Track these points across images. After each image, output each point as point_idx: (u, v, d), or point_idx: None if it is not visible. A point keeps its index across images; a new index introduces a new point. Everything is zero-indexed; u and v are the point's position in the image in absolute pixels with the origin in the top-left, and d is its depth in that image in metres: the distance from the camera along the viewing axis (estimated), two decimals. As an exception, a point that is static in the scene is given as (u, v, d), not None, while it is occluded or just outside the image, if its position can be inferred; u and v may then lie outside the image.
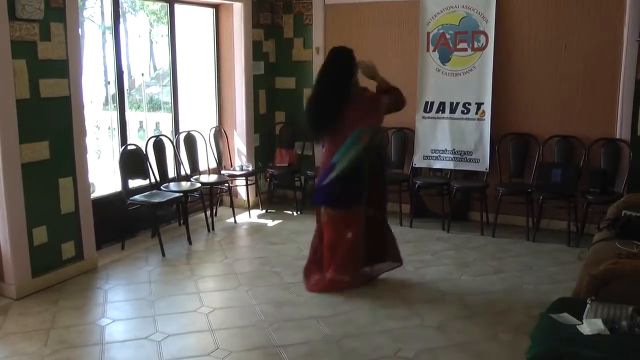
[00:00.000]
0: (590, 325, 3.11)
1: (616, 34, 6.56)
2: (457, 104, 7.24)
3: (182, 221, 7.07)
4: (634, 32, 6.34)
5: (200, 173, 7.47)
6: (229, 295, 5.24)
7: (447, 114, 7.30)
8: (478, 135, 7.17)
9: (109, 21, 6.69)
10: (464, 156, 7.27)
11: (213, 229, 7.14)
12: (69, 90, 5.40)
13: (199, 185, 6.93)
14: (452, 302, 5.02)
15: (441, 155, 7.39)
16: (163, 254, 6.19)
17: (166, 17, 7.41)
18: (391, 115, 7.75)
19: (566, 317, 3.28)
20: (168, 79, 7.60)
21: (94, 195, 6.11)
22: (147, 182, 6.61)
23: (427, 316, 4.72)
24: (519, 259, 6.12)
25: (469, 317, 4.71)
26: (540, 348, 3.00)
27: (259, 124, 8.21)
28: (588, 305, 3.25)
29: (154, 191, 6.49)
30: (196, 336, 4.41)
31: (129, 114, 7.41)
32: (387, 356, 4.10)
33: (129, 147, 6.48)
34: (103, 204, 6.24)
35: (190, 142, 7.39)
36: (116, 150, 6.81)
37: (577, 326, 3.17)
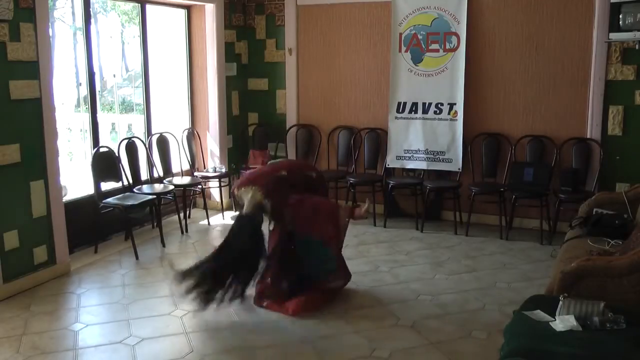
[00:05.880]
0: (563, 322, 3.15)
1: (586, 34, 6.65)
2: (430, 104, 7.28)
3: (155, 224, 7.02)
4: (603, 33, 6.42)
5: (173, 175, 7.43)
6: (203, 297, 5.20)
7: (419, 114, 7.34)
8: (450, 136, 7.22)
9: (80, 22, 6.63)
10: (437, 156, 7.31)
11: (186, 231, 7.10)
12: (39, 92, 5.33)
13: (172, 187, 6.89)
14: (426, 301, 5.04)
15: (414, 155, 7.43)
16: (137, 257, 6.14)
17: (138, 17, 7.35)
18: (364, 115, 7.84)
19: (539, 314, 3.32)
20: (140, 80, 7.55)
21: (66, 198, 6.05)
22: (119, 184, 6.56)
23: (401, 316, 4.74)
24: (492, 257, 6.17)
25: (443, 316, 4.74)
26: (514, 345, 3.03)
27: (232, 125, 8.19)
28: (561, 302, 3.29)
29: (127, 194, 6.44)
30: (170, 339, 4.38)
31: (101, 115, 7.35)
32: (362, 356, 4.10)
33: (101, 150, 6.42)
34: (75, 207, 6.18)
35: (163, 144, 7.35)
36: (88, 152, 6.74)
37: (550, 323, 3.21)
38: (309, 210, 4.95)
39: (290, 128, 8.04)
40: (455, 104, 7.17)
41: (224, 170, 7.82)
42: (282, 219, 4.91)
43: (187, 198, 7.52)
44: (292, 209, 4.91)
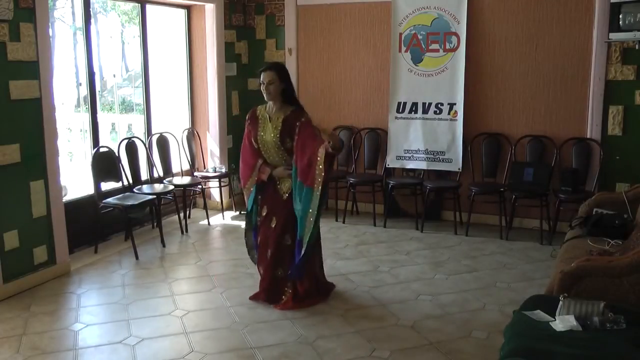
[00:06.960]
0: (563, 322, 3.15)
1: (586, 34, 6.65)
2: (430, 104, 7.28)
3: (155, 224, 7.02)
4: (603, 33, 6.42)
5: (173, 175, 7.43)
6: (203, 297, 5.21)
7: (419, 114, 7.34)
8: (450, 136, 7.22)
9: (80, 22, 6.63)
10: (437, 156, 7.31)
11: (186, 231, 7.10)
12: (39, 92, 5.32)
13: (172, 187, 6.89)
14: (426, 301, 5.04)
15: (414, 155, 7.43)
16: (137, 257, 6.14)
17: (138, 17, 7.35)
18: (364, 115, 7.84)
19: (539, 314, 3.32)
20: (140, 80, 7.55)
21: (66, 198, 6.05)
22: (119, 184, 6.56)
23: (401, 316, 4.74)
24: (492, 257, 6.17)
25: (443, 316, 4.74)
26: (514, 345, 3.03)
27: (232, 125, 8.18)
28: (561, 302, 3.29)
29: (127, 194, 6.44)
30: (170, 339, 4.38)
31: (101, 115, 7.35)
32: (362, 356, 4.10)
33: (101, 150, 6.42)
34: (75, 207, 6.18)
35: (163, 144, 7.35)
36: (88, 152, 6.74)
37: (550, 323, 3.20)
38: (310, 133, 4.92)
39: (291, 128, 8.03)
40: (455, 104, 7.16)
41: (224, 170, 7.82)
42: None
43: (187, 198, 7.52)
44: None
